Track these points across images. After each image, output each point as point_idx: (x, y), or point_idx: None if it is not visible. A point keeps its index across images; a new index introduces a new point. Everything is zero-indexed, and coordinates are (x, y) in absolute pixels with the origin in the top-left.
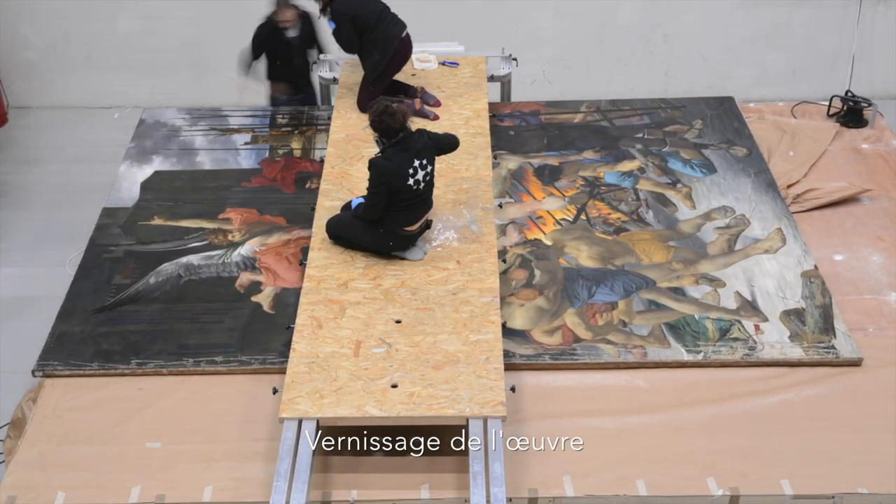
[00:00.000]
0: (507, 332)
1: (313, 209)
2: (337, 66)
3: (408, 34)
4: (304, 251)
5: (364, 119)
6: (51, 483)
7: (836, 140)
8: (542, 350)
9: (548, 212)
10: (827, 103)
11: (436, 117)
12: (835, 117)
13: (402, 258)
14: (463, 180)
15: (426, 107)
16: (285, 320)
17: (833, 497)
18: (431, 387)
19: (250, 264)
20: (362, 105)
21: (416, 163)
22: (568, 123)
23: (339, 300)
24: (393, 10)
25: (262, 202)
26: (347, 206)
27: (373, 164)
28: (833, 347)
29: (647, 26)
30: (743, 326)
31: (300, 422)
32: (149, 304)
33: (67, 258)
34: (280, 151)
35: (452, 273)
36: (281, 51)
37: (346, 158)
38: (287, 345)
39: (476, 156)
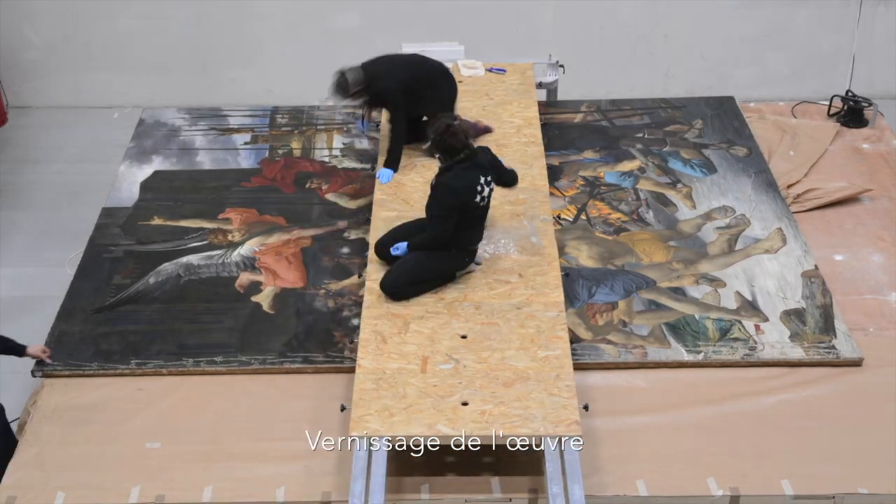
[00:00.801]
0: None
1: (375, 217)
2: None
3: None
4: (304, 251)
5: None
6: (51, 483)
7: (837, 140)
8: None
9: None
10: (827, 103)
11: (488, 130)
12: (835, 117)
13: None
14: (519, 191)
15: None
16: (285, 320)
17: (833, 497)
18: (503, 405)
19: (250, 264)
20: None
21: (482, 179)
22: (568, 123)
23: (403, 314)
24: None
25: (262, 202)
26: (386, 256)
27: (441, 185)
28: (833, 347)
29: (647, 26)
30: (743, 326)
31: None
32: (149, 304)
33: (67, 258)
34: (280, 151)
35: (515, 286)
36: None
37: (399, 168)
38: (287, 344)
39: (531, 166)
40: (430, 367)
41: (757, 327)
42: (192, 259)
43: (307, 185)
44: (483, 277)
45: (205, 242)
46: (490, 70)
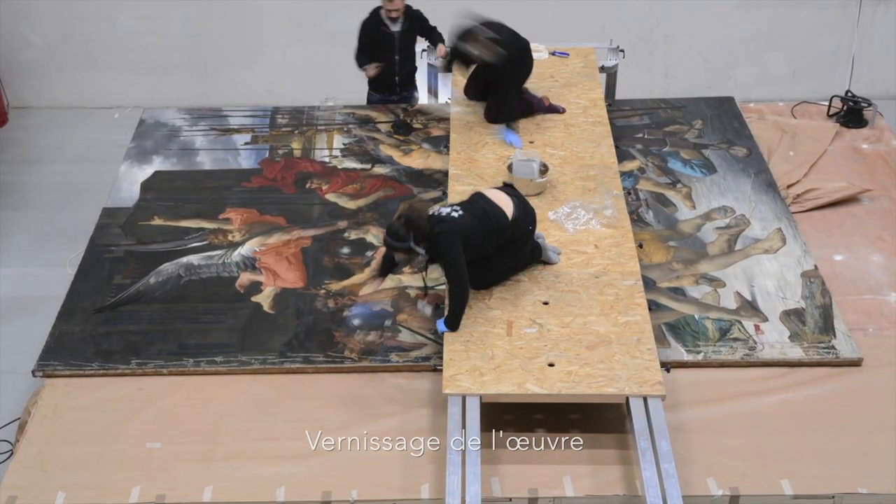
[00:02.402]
0: None
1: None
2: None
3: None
4: (304, 251)
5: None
6: (51, 483)
7: (836, 140)
8: None
9: None
10: (827, 103)
11: (563, 110)
12: (835, 117)
13: (543, 262)
14: (589, 167)
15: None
16: (285, 320)
17: (833, 497)
18: (588, 366)
19: (250, 264)
20: (510, 117)
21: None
22: None
23: None
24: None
25: (262, 202)
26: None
27: (442, 239)
28: (833, 347)
29: (647, 26)
30: (743, 326)
31: (464, 398)
32: (149, 304)
33: (67, 258)
34: (280, 151)
35: (592, 256)
36: (382, 44)
37: (471, 144)
38: (287, 344)
39: (598, 144)
40: (515, 331)
41: (756, 327)
42: (193, 259)
43: (307, 186)
44: (560, 248)
45: (205, 242)
46: (553, 53)
